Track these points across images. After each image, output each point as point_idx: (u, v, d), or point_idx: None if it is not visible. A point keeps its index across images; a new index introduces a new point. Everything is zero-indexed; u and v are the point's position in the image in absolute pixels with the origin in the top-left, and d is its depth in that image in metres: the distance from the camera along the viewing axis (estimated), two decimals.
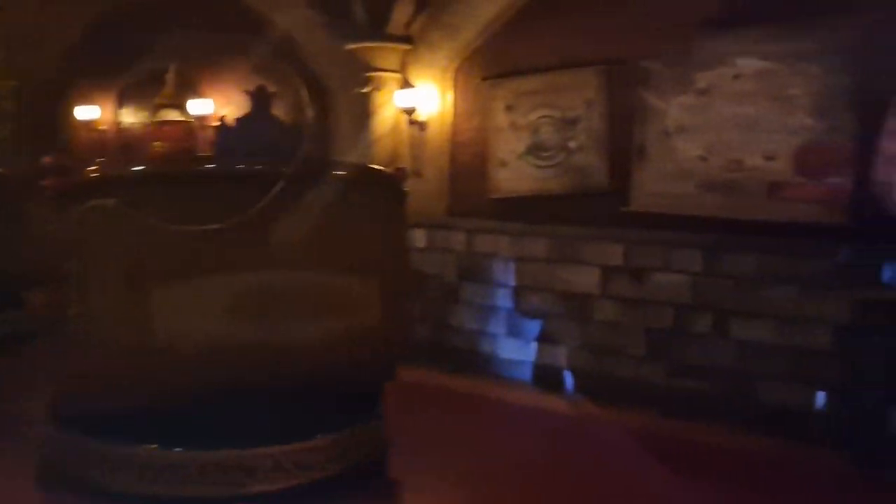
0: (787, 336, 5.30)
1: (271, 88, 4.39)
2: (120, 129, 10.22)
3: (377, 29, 7.34)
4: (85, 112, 10.19)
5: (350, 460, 3.60)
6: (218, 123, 4.55)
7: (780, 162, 5.41)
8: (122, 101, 10.19)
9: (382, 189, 4.03)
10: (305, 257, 3.47)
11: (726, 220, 5.59)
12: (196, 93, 9.04)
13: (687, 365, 5.74)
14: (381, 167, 5.08)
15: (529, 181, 6.96)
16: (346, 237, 3.61)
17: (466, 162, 7.40)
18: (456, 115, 7.44)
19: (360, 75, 7.54)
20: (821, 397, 5.11)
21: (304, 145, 3.63)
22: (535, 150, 6.91)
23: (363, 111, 7.68)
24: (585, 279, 6.34)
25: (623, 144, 6.23)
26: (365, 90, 7.54)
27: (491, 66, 7.18)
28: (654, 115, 6.01)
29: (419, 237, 7.45)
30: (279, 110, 4.58)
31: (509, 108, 7.03)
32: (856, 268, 4.96)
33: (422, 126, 7.52)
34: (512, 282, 6.92)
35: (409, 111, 7.40)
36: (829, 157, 5.21)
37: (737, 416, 5.35)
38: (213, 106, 8.98)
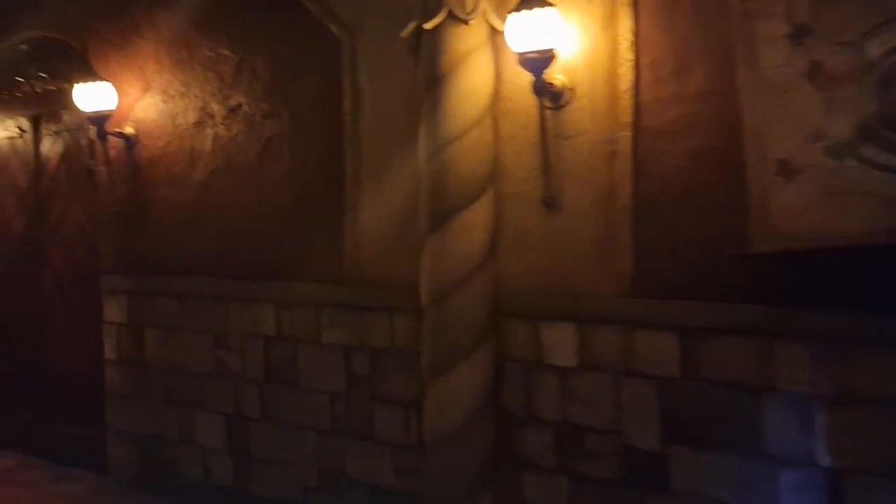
0: None
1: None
2: None
3: None
4: None
5: None
6: None
7: None
8: None
9: None
10: None
11: None
12: (89, 73, 4.92)
13: None
14: None
15: (869, 207, 2.75)
16: None
17: (672, 173, 3.16)
18: (639, 70, 3.25)
19: None
20: None
21: None
22: (885, 128, 2.72)
23: (416, 80, 3.55)
24: None
25: None
26: (432, 23, 3.40)
27: None
28: None
29: (554, 342, 3.27)
30: None
31: (800, 34, 2.85)
32: None
33: (555, 98, 3.35)
34: (824, 456, 2.69)
35: (539, 63, 3.22)
36: None
37: None
38: (116, 95, 4.85)
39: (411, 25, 3.50)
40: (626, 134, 3.23)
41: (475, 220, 3.41)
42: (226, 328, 4.60)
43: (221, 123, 4.58)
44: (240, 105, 4.50)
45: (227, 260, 4.61)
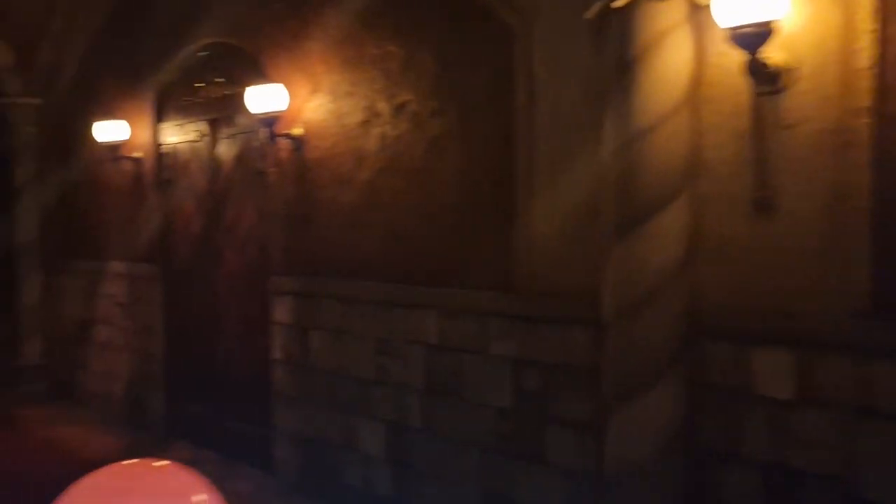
0: None
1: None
2: (159, 155, 6.39)
3: None
4: (108, 131, 6.49)
5: None
6: None
7: None
8: (160, 112, 6.38)
9: None
10: None
11: None
12: (261, 76, 4.97)
13: None
14: None
15: None
16: None
17: None
18: (884, 43, 2.65)
19: None
20: None
21: None
22: None
23: (600, 67, 3.16)
24: None
25: None
26: (623, 1, 3.00)
27: None
28: None
29: (766, 369, 2.76)
30: None
31: None
32: None
33: (772, 80, 2.83)
34: None
35: (754, 39, 2.72)
36: None
37: None
38: (287, 97, 4.85)
39: (597, 6, 3.13)
40: (865, 121, 2.65)
41: (669, 225, 2.97)
42: (388, 334, 4.45)
43: (388, 122, 4.44)
44: (406, 103, 4.33)
45: (391, 263, 4.46)
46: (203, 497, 1.04)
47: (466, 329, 4.02)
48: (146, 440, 6.16)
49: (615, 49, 3.07)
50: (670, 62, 2.97)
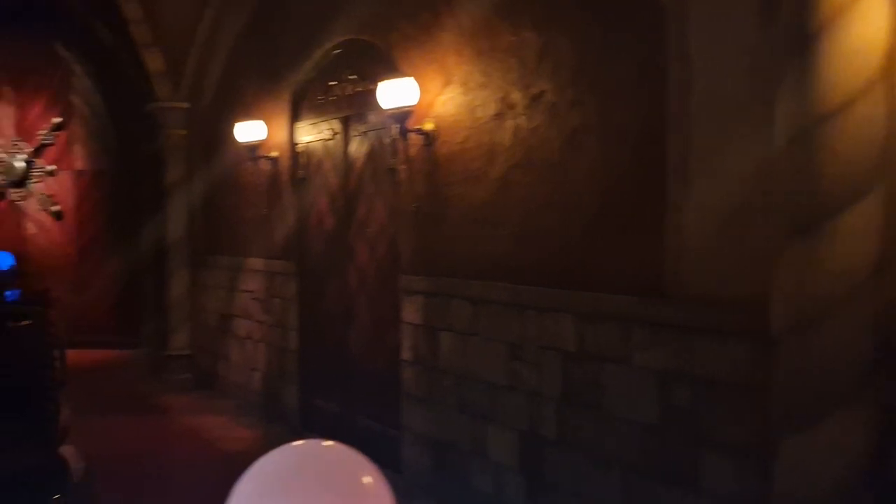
0: None
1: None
2: (295, 154, 6.47)
3: None
4: (247, 132, 6.66)
5: None
6: None
7: None
8: (296, 111, 6.46)
9: None
10: None
11: None
12: (393, 70, 4.87)
13: None
14: None
15: None
16: None
17: None
18: None
19: None
20: None
21: None
22: None
23: (769, 44, 2.76)
24: None
25: None
26: None
27: None
28: None
29: None
30: None
31: None
32: None
33: None
34: None
35: None
36: None
37: None
38: (417, 91, 4.72)
39: None
40: None
41: (859, 224, 2.53)
42: (521, 338, 4.21)
43: (522, 114, 4.20)
44: (542, 93, 4.07)
45: (524, 263, 4.22)
46: (370, 479, 1.05)
47: (607, 336, 3.70)
48: (281, 432, 6.29)
49: (790, 22, 2.66)
50: (861, 33, 2.53)
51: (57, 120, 10.46)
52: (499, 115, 4.35)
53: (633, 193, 3.62)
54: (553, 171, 4.03)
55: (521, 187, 4.23)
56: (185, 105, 8.12)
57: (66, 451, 3.94)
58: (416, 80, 4.77)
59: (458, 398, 4.69)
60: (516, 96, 4.24)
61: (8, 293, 4.50)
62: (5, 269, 4.98)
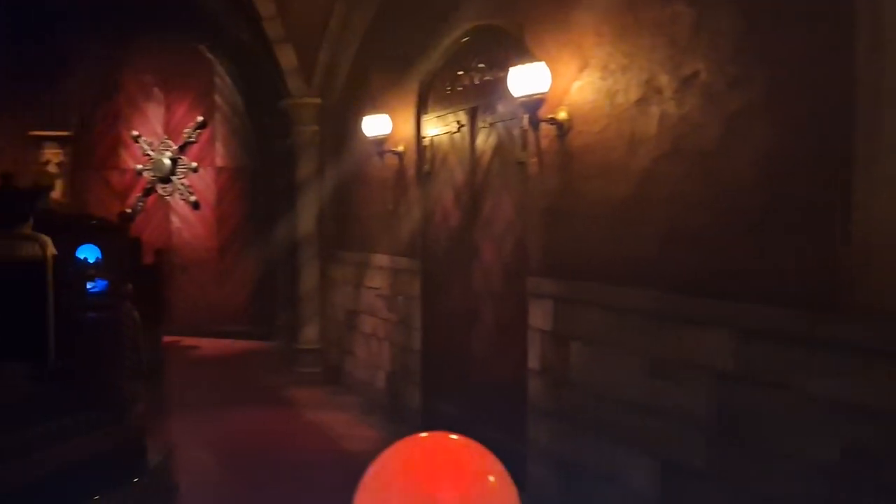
0: None
1: None
2: (420, 148, 6.24)
3: None
4: (374, 126, 6.52)
5: None
6: None
7: None
8: (422, 104, 6.22)
9: None
10: None
11: None
12: (524, 55, 4.49)
13: None
14: None
15: None
16: None
17: None
18: None
19: None
20: None
21: None
22: None
23: None
24: None
25: None
26: None
27: None
28: None
29: None
30: None
31: None
32: None
33: None
34: None
35: None
36: None
37: None
38: (549, 77, 4.30)
39: None
40: None
41: None
42: (663, 353, 3.72)
43: (671, 98, 3.70)
44: (696, 73, 3.55)
45: (669, 268, 3.72)
46: (493, 479, 1.03)
47: (771, 356, 3.15)
48: (405, 434, 6.09)
49: None
50: None
51: (200, 119, 10.99)
52: (642, 101, 3.87)
53: (805, 188, 3.04)
54: (707, 162, 3.51)
55: (668, 181, 3.73)
56: (317, 101, 8.16)
57: (147, 439, 4.11)
58: (549, 65, 4.37)
59: (590, 415, 4.25)
60: (663, 79, 3.74)
61: (90, 284, 4.75)
62: (91, 262, 5.20)
